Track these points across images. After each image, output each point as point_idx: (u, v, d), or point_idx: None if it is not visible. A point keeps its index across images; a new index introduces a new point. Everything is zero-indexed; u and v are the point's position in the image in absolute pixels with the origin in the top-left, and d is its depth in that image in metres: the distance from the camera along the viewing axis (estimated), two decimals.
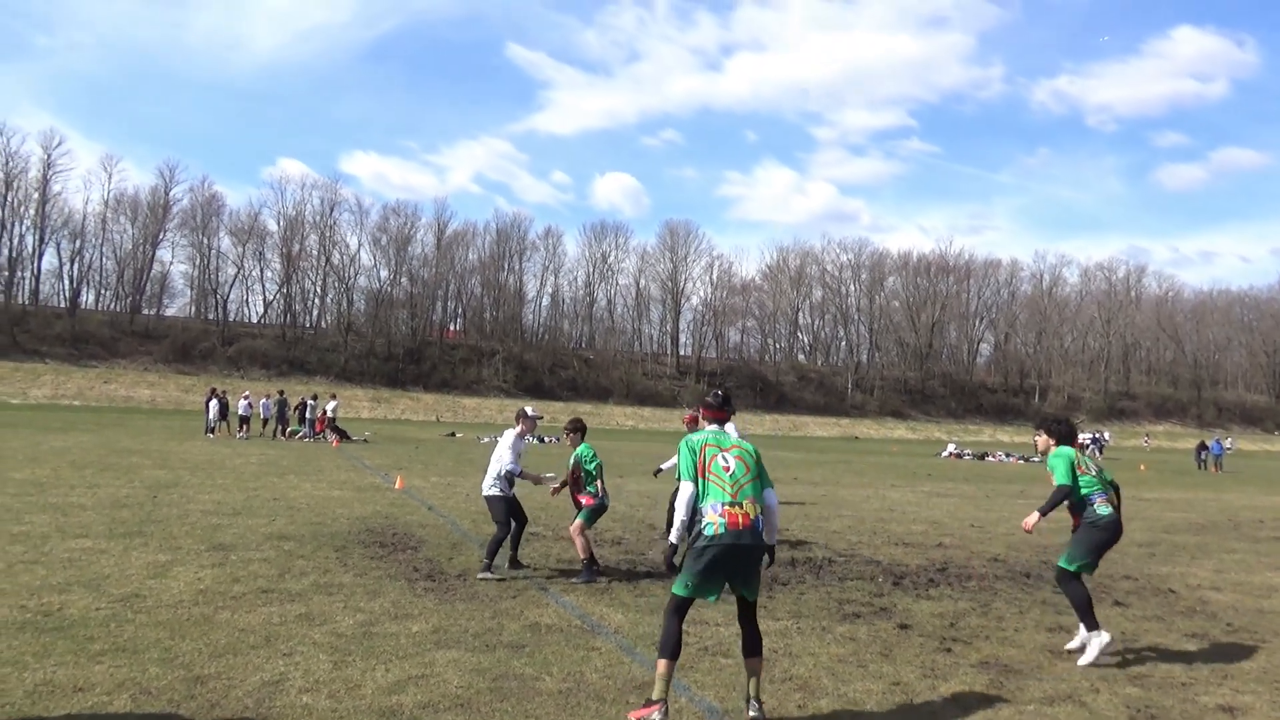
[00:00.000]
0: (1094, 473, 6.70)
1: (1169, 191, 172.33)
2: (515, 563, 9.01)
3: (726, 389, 5.50)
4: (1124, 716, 5.20)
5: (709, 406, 5.34)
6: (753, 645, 4.97)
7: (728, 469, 4.91)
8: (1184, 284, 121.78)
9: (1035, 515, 6.60)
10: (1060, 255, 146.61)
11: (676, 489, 4.95)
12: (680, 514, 4.82)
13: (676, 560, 5.07)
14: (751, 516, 4.82)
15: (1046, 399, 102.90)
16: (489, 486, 8.83)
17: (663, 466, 12.27)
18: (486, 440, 36.92)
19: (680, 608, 4.87)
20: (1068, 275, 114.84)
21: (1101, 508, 6.54)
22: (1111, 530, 6.54)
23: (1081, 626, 6.44)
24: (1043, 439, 6.94)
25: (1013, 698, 5.47)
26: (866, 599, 8.23)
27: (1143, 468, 39.91)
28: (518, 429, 9.01)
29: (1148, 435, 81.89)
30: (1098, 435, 57.33)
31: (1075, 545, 6.55)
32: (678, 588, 4.86)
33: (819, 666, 5.96)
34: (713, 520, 4.76)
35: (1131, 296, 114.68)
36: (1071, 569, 6.50)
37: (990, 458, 45.00)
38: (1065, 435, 6.83)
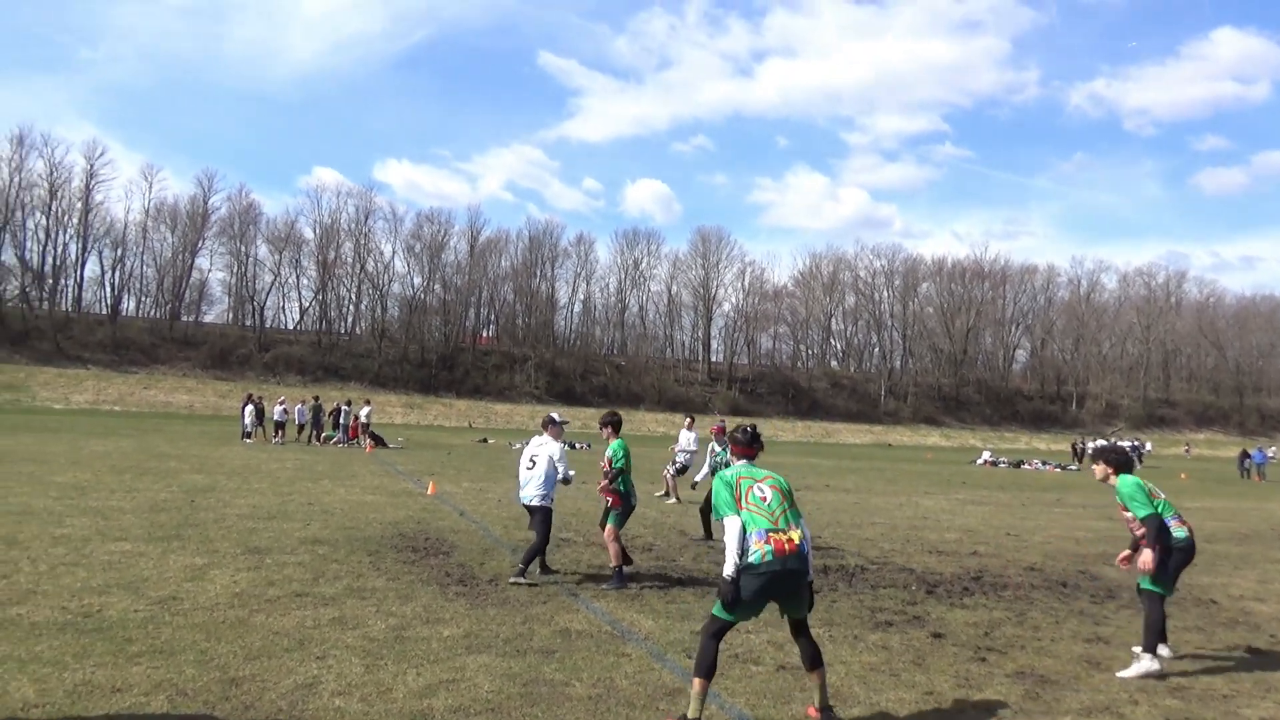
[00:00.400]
0: (1163, 496, 6.76)
1: (1209, 196, 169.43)
2: (545, 568, 9.03)
3: (755, 427, 5.53)
4: None
5: (738, 442, 5.40)
6: (813, 659, 4.99)
7: (764, 498, 4.95)
8: (1226, 289, 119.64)
9: (1149, 554, 6.49)
10: (1098, 261, 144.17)
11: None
12: (733, 548, 4.78)
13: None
14: (796, 542, 4.83)
15: (1084, 406, 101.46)
16: (542, 498, 8.74)
17: (697, 479, 12.09)
18: (519, 446, 37.04)
19: (720, 630, 4.87)
20: (1106, 281, 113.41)
21: (1178, 530, 6.61)
22: (1190, 551, 6.64)
23: (1142, 646, 6.44)
24: (1100, 468, 6.94)
25: (1049, 709, 5.40)
26: (899, 607, 8.15)
27: (1183, 476, 39.20)
28: (553, 435, 9.00)
29: (1189, 444, 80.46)
30: (1136, 444, 56.38)
31: (1158, 568, 6.51)
32: (720, 610, 4.84)
33: (851, 675, 5.91)
34: (760, 549, 4.76)
35: (1171, 302, 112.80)
36: (1157, 590, 6.49)
37: (1026, 465, 44.42)
38: (1123, 464, 6.85)
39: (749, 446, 5.36)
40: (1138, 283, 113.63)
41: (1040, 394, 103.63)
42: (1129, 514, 6.64)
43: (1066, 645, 7.00)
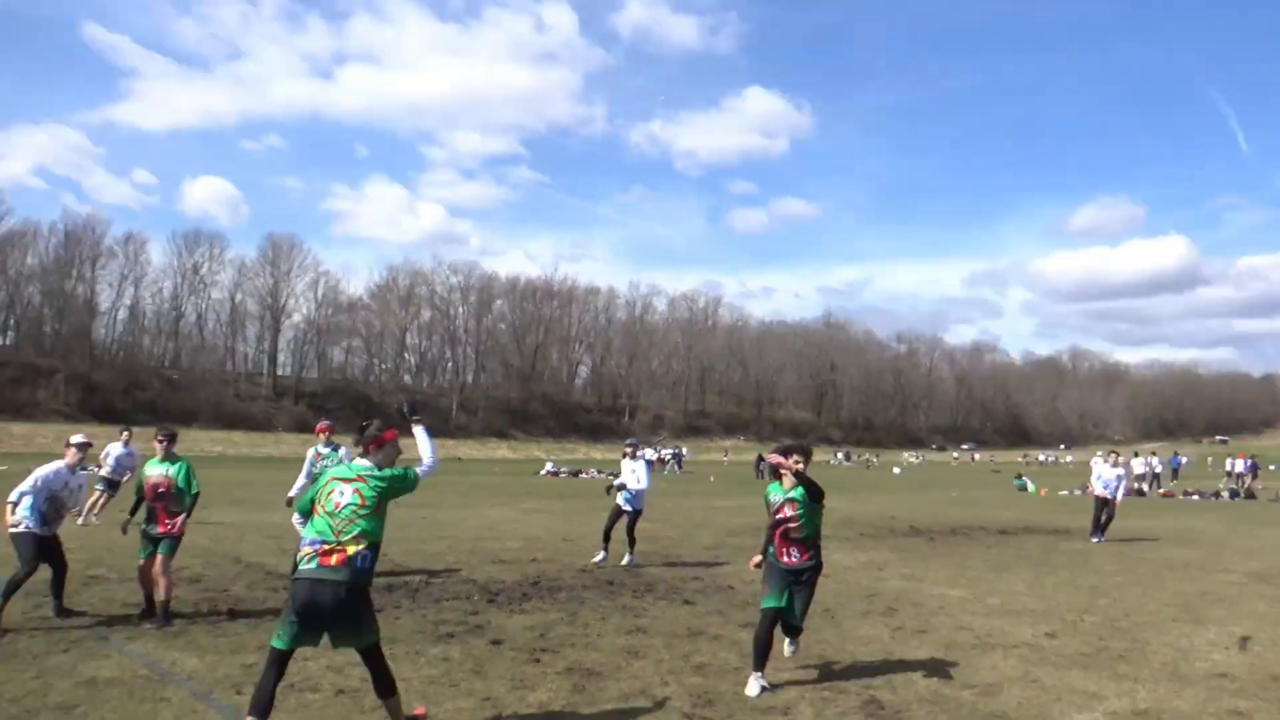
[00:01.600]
0: None
1: (739, 233, 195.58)
2: (64, 610, 7.92)
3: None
4: (685, 706, 5.82)
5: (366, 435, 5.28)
6: (384, 687, 4.89)
7: (338, 505, 4.79)
8: (750, 314, 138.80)
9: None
10: (651, 285, 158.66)
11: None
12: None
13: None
14: (348, 554, 4.65)
15: (635, 418, 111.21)
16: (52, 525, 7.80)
17: (292, 493, 10.92)
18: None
19: (280, 660, 4.68)
20: (657, 304, 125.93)
21: None
22: None
23: None
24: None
25: (593, 699, 5.90)
26: (461, 618, 8.37)
27: (712, 479, 44.67)
28: (74, 459, 7.98)
29: (727, 450, 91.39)
30: (677, 451, 63.26)
31: None
32: (276, 637, 4.67)
33: (411, 690, 5.95)
34: (307, 553, 4.67)
35: (709, 324, 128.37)
36: None
37: (584, 474, 47.56)
38: None
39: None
40: (682, 306, 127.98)
41: (599, 407, 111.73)
42: None
43: (610, 639, 7.68)
